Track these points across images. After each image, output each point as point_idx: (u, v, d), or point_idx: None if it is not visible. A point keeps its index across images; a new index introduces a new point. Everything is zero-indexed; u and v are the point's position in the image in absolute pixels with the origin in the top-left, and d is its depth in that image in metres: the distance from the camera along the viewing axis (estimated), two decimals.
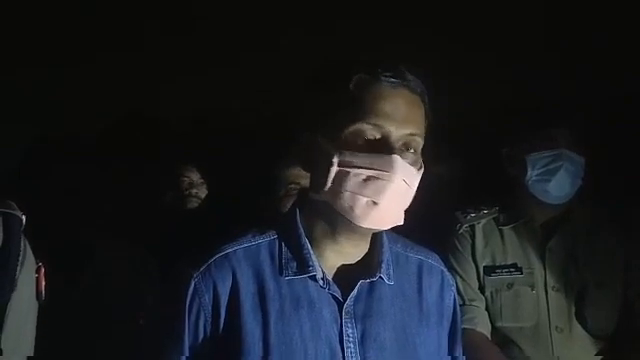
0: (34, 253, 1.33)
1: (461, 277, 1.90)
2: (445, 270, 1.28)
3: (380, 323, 1.15)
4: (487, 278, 1.90)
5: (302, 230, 1.15)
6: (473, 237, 1.94)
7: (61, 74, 2.24)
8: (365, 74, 1.09)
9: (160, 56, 2.41)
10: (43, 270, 1.33)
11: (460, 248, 1.93)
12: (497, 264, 1.91)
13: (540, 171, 1.86)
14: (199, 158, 1.95)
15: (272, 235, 1.17)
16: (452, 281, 1.28)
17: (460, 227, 1.95)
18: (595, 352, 1.83)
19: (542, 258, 1.89)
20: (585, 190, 1.91)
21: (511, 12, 2.31)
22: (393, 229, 1.18)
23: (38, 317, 1.35)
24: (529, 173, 1.87)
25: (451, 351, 1.27)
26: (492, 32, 2.35)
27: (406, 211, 1.13)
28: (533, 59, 2.28)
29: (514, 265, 1.90)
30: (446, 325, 1.26)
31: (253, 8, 2.44)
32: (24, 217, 1.29)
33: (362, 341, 1.13)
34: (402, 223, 1.13)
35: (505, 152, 1.96)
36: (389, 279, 1.17)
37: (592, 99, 2.12)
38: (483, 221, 1.96)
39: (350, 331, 1.13)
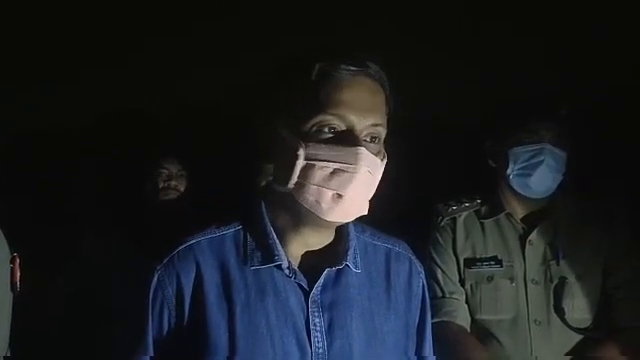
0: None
1: (441, 269, 1.91)
2: (413, 257, 1.26)
3: (347, 311, 1.13)
4: (467, 271, 1.90)
5: (267, 220, 1.14)
6: (454, 230, 1.94)
7: (59, 72, 2.28)
8: (325, 64, 1.07)
9: (160, 56, 2.43)
10: (18, 261, 1.30)
11: (441, 241, 1.94)
12: (477, 257, 1.91)
13: (521, 165, 1.85)
14: (179, 150, 1.96)
15: (236, 226, 1.16)
16: (421, 268, 1.26)
17: (441, 220, 1.96)
18: (573, 345, 1.82)
19: (522, 251, 1.89)
20: (568, 183, 1.91)
21: (496, 9, 2.30)
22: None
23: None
24: (510, 167, 1.87)
25: (419, 350, 1.24)
26: (477, 29, 2.35)
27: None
28: (520, 54, 2.27)
29: (494, 258, 1.89)
30: (415, 313, 1.24)
31: (252, 8, 2.45)
32: None
33: (329, 330, 1.12)
34: (366, 213, 1.11)
35: (488, 145, 1.97)
36: (356, 267, 1.16)
37: (578, 92, 2.10)
38: (464, 214, 1.96)
39: (317, 320, 1.12)
